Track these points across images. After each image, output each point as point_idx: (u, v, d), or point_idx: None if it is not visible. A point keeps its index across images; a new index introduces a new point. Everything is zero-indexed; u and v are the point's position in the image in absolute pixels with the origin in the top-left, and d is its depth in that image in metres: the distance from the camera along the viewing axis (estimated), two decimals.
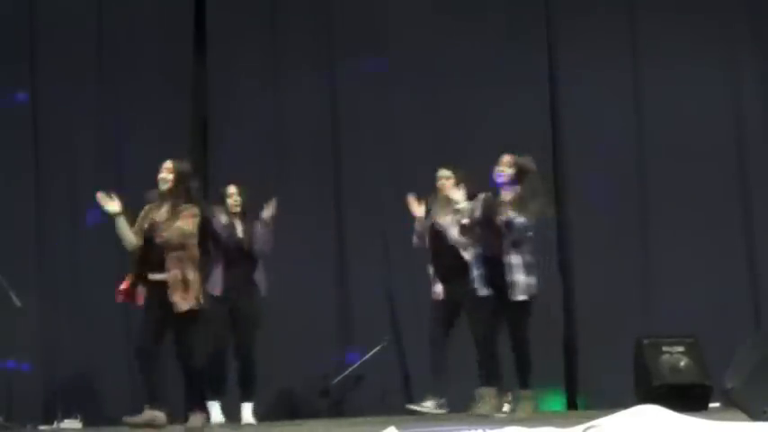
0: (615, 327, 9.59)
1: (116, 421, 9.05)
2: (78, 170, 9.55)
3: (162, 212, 7.59)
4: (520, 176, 8.12)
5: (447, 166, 8.75)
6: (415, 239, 8.94)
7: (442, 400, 8.59)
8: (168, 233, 7.47)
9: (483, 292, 8.07)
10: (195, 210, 7.60)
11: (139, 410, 7.65)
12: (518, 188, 8.10)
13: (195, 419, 7.56)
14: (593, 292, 9.88)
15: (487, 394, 8.07)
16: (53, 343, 9.30)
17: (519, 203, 8.05)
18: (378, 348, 9.34)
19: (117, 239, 9.37)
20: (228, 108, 9.84)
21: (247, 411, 8.53)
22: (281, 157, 9.88)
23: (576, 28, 10.25)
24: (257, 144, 9.83)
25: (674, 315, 9.62)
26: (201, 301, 7.53)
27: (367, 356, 9.32)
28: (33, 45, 9.59)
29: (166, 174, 7.63)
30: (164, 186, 7.64)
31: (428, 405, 8.58)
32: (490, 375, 8.11)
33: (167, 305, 7.42)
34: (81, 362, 9.26)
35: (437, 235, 8.78)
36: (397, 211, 9.64)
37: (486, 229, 8.10)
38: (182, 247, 7.48)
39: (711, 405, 8.57)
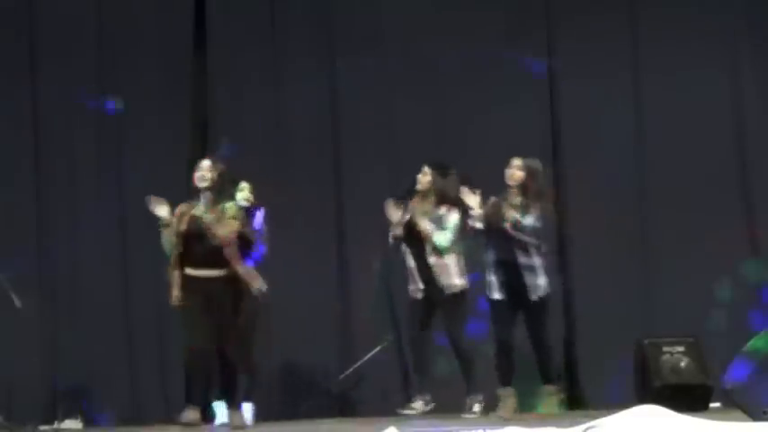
0: (615, 327, 9.59)
1: (116, 421, 9.09)
2: (78, 170, 9.55)
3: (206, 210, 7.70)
4: (528, 179, 8.26)
5: (433, 166, 8.73)
6: (392, 240, 8.88)
7: (428, 397, 8.61)
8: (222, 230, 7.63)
9: (496, 295, 8.23)
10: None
11: (138, 410, 7.64)
12: (526, 190, 8.24)
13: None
14: (593, 293, 9.87)
15: (506, 395, 8.25)
16: (53, 343, 9.30)
17: (526, 206, 8.19)
18: (380, 348, 9.34)
19: (118, 239, 9.38)
20: (228, 108, 9.85)
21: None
22: (281, 157, 9.87)
23: (576, 28, 10.24)
24: (257, 144, 9.83)
25: (674, 315, 9.62)
26: None
27: (369, 356, 9.30)
28: (33, 45, 9.59)
29: (206, 172, 7.75)
30: (203, 184, 7.75)
31: (416, 406, 8.60)
32: (506, 376, 8.28)
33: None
34: (81, 362, 9.25)
35: (418, 235, 8.72)
36: None
37: (495, 233, 8.21)
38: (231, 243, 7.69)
39: (712, 405, 8.57)
